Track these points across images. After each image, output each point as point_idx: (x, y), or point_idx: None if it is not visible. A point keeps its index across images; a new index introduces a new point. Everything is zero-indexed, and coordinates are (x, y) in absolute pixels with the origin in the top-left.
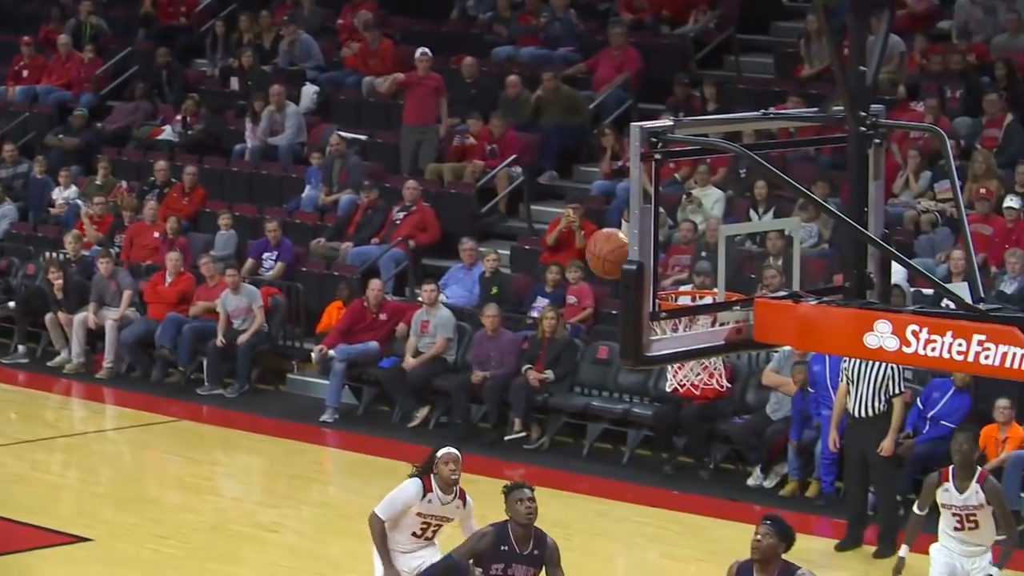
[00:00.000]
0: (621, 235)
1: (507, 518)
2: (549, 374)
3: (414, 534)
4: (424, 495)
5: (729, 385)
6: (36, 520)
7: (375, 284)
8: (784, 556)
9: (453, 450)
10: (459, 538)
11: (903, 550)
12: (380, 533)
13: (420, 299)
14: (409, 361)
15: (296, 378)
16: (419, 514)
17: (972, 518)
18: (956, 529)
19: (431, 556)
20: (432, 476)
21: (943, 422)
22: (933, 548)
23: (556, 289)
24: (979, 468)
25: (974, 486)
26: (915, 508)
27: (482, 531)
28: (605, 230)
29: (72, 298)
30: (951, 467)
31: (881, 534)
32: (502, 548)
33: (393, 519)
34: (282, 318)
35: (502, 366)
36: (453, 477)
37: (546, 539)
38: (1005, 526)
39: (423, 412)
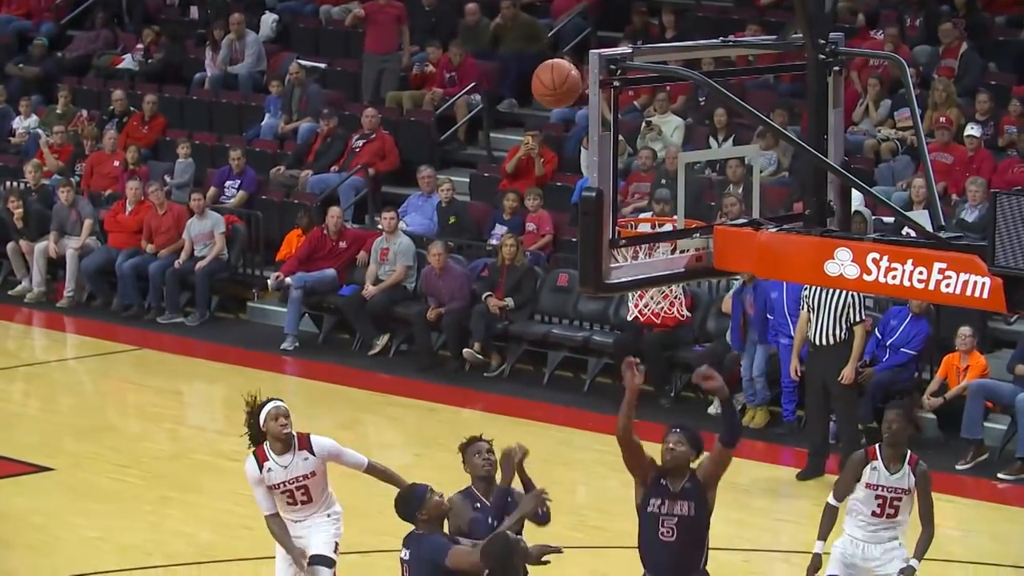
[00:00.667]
0: (563, 64)
1: (469, 482)
2: (509, 301)
3: (289, 503)
4: (261, 468)
5: (689, 314)
6: None
7: (334, 211)
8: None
9: (277, 403)
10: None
11: (818, 546)
12: (277, 528)
13: (380, 227)
14: (369, 289)
15: (256, 306)
16: (272, 487)
17: (895, 503)
18: (874, 514)
19: (317, 518)
20: (265, 444)
21: (902, 349)
22: (833, 545)
23: (514, 216)
24: (910, 451)
25: (906, 468)
26: (830, 498)
27: (455, 505)
28: (546, 63)
29: (32, 227)
30: (878, 445)
31: (842, 462)
32: (475, 507)
33: (269, 505)
34: (242, 246)
35: (454, 299)
36: (284, 432)
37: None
38: (928, 520)
39: (383, 340)
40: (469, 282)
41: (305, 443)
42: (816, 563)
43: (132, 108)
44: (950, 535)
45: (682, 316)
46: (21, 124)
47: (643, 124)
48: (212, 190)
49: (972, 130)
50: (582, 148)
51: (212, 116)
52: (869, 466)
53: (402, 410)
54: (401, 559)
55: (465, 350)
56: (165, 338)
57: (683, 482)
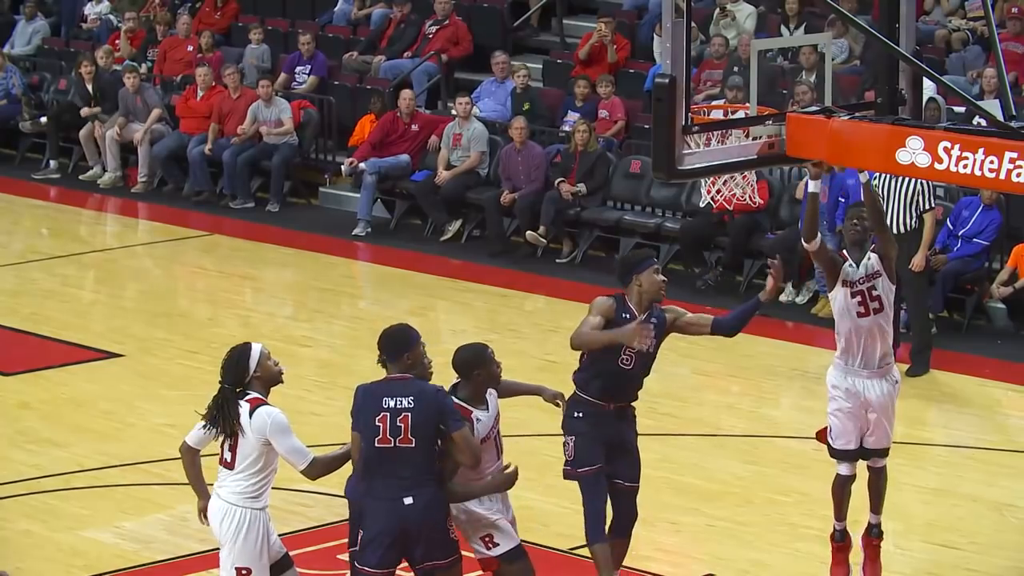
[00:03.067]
0: None
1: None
2: (581, 187)
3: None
4: None
5: (762, 200)
6: (67, 336)
7: (406, 94)
8: None
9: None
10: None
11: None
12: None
13: (453, 112)
14: (442, 174)
15: (328, 192)
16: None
17: (874, 292)
18: (860, 315)
19: None
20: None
21: (975, 240)
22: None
23: (586, 103)
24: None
25: (870, 253)
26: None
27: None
28: None
29: (106, 101)
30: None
31: (914, 351)
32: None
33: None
34: (314, 132)
35: (530, 181)
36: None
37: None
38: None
39: (455, 226)
40: (546, 163)
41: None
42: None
43: None
44: (1018, 425)
45: (755, 203)
46: (93, 9)
47: (716, 11)
48: (282, 76)
49: None
50: (655, 35)
51: (285, 1)
52: (846, 264)
53: (473, 295)
54: (390, 407)
55: (528, 232)
56: (237, 223)
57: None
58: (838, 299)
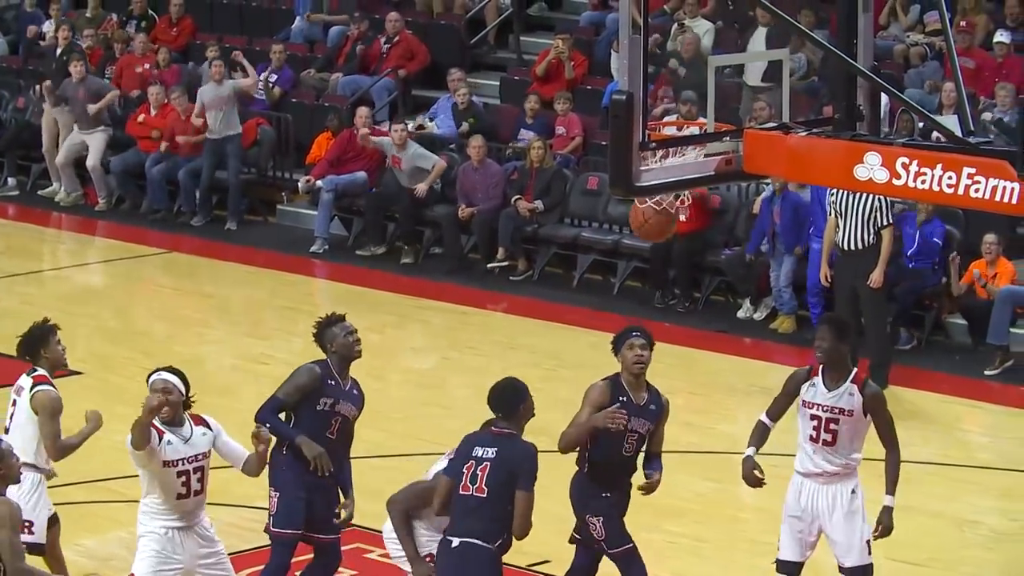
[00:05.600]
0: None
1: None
2: (538, 204)
3: (179, 496)
4: (159, 440)
5: (698, 223)
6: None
7: (362, 111)
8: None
9: (161, 376)
10: None
11: (750, 451)
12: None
13: (391, 136)
14: (420, 188)
15: (286, 209)
16: (167, 463)
17: (832, 426)
18: (811, 439)
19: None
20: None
21: (920, 258)
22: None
23: (537, 119)
24: (855, 369)
25: (848, 386)
26: (763, 416)
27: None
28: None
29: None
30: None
31: (873, 366)
32: (329, 382)
33: (152, 481)
34: (271, 149)
35: (489, 198)
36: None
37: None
38: (889, 444)
39: (412, 254)
40: (504, 181)
41: (200, 420)
42: (749, 464)
43: (151, 11)
44: (978, 441)
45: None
46: (50, 28)
47: (674, 27)
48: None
49: (1002, 36)
50: (612, 51)
51: (243, 18)
52: (808, 383)
53: (431, 313)
54: (477, 456)
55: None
56: (194, 241)
57: (644, 393)
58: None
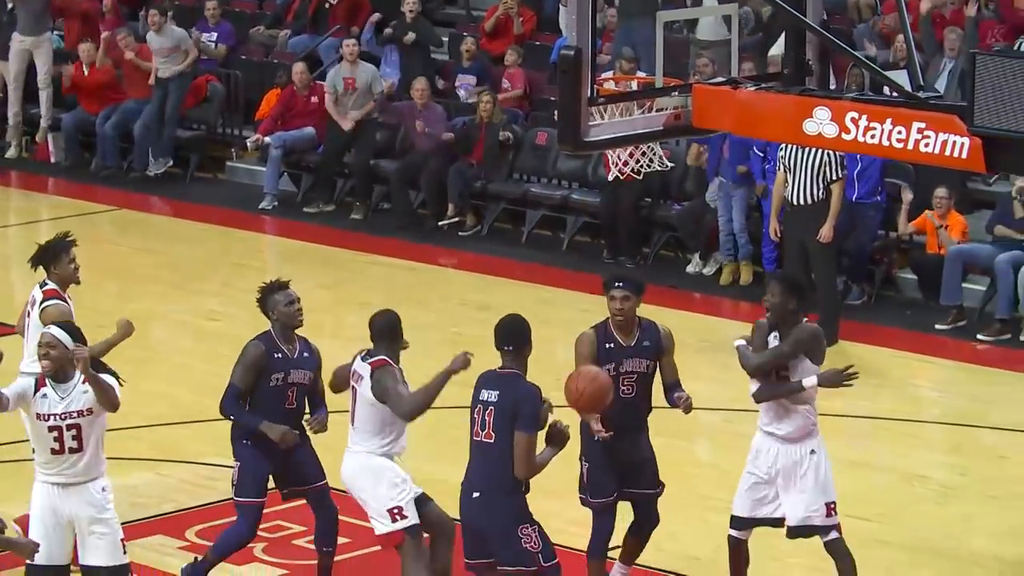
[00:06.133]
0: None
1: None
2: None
3: (53, 451)
4: (36, 391)
5: (671, 164)
6: None
7: (298, 67)
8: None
9: (49, 331)
10: None
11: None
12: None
13: (340, 53)
14: (346, 121)
15: (236, 166)
16: (39, 416)
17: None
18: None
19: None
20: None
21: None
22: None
23: (474, 63)
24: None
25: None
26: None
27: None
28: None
29: None
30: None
31: (821, 321)
32: (275, 356)
33: (31, 433)
34: (220, 106)
35: (433, 140)
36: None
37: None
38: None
39: (363, 210)
40: (448, 123)
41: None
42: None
43: None
44: (929, 396)
45: (663, 167)
46: None
47: None
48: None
49: None
50: (561, 6)
51: None
52: (772, 335)
53: (380, 269)
54: (483, 400)
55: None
56: (145, 198)
57: (634, 334)
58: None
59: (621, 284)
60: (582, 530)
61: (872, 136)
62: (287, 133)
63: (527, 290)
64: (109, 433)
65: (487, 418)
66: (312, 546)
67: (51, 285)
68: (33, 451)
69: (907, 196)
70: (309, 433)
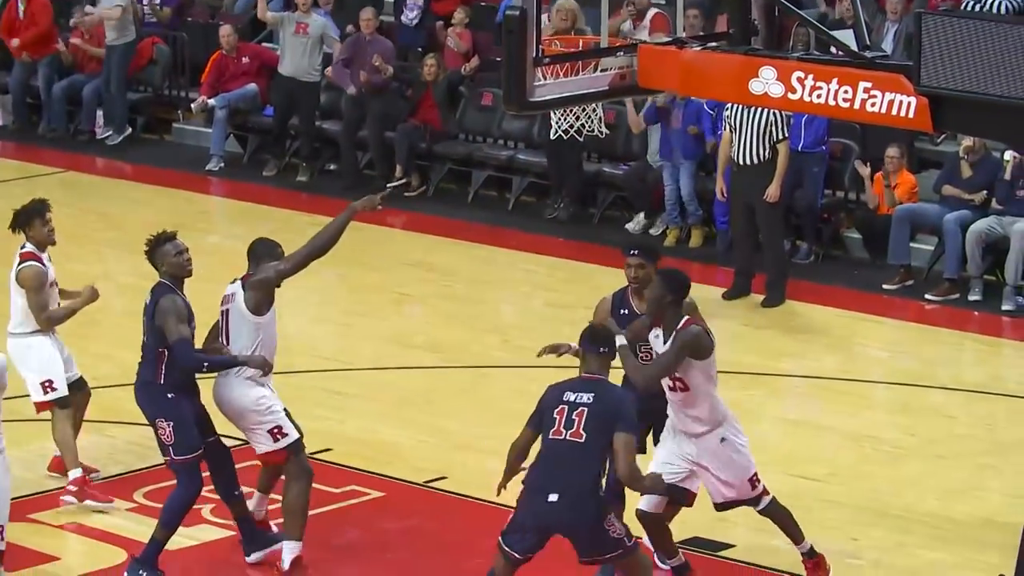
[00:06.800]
0: None
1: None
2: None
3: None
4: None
5: (607, 131)
6: None
7: (225, 30)
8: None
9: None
10: None
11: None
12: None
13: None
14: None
15: (182, 128)
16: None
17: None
18: (670, 389)
19: None
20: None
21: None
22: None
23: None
24: (685, 317)
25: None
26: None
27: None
28: None
29: None
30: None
31: (769, 282)
32: (188, 305)
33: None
34: (166, 68)
35: (378, 72)
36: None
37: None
38: (654, 365)
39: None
40: (394, 55)
41: None
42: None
43: None
44: (876, 356)
45: (602, 133)
46: None
47: None
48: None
49: None
50: None
51: None
52: (652, 334)
53: None
54: (570, 401)
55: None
56: (91, 160)
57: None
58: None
59: (636, 252)
60: None
61: (818, 96)
62: (230, 93)
63: (473, 250)
64: None
65: (576, 418)
66: None
67: (28, 248)
68: None
69: (864, 170)
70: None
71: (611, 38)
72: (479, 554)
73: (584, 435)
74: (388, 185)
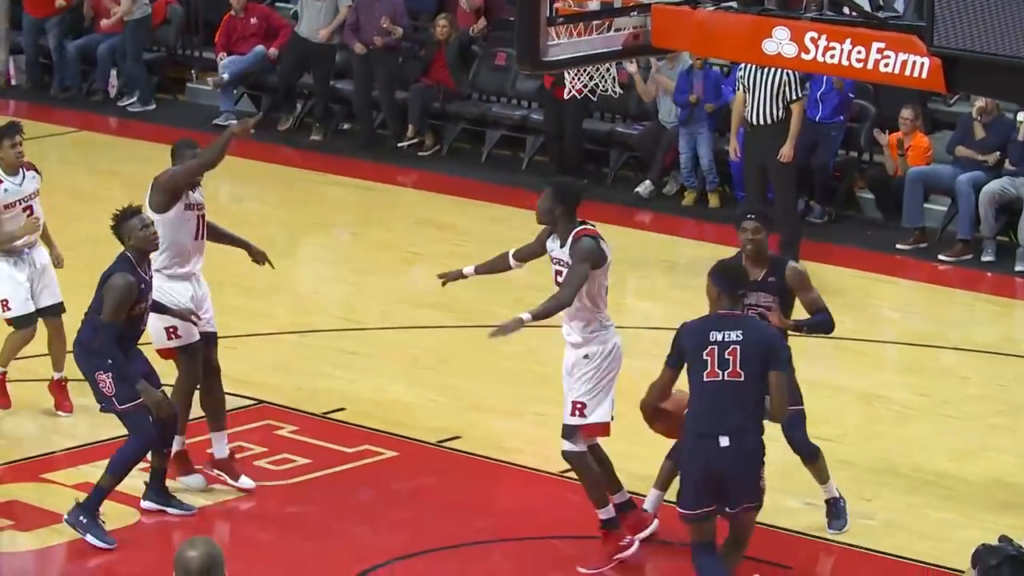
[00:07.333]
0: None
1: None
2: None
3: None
4: None
5: (621, 91)
6: None
7: None
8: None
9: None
10: None
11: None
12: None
13: None
14: (323, 33)
15: (196, 87)
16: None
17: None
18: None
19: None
20: None
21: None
22: None
23: None
24: (579, 227)
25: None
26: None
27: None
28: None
29: None
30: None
31: (783, 242)
32: (141, 287)
33: None
34: (180, 27)
35: (387, 33)
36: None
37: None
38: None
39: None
40: (404, 13)
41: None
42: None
43: None
44: (888, 316)
45: (615, 93)
46: None
47: None
48: None
49: None
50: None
51: None
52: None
53: (339, 189)
54: (718, 341)
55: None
56: (105, 120)
57: (763, 269)
58: None
59: (752, 216)
60: (537, 448)
61: (831, 56)
62: (237, 60)
63: (486, 209)
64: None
65: (729, 357)
66: (272, 467)
67: None
68: None
69: (883, 138)
70: None
71: None
72: (492, 513)
73: (742, 374)
74: (400, 144)
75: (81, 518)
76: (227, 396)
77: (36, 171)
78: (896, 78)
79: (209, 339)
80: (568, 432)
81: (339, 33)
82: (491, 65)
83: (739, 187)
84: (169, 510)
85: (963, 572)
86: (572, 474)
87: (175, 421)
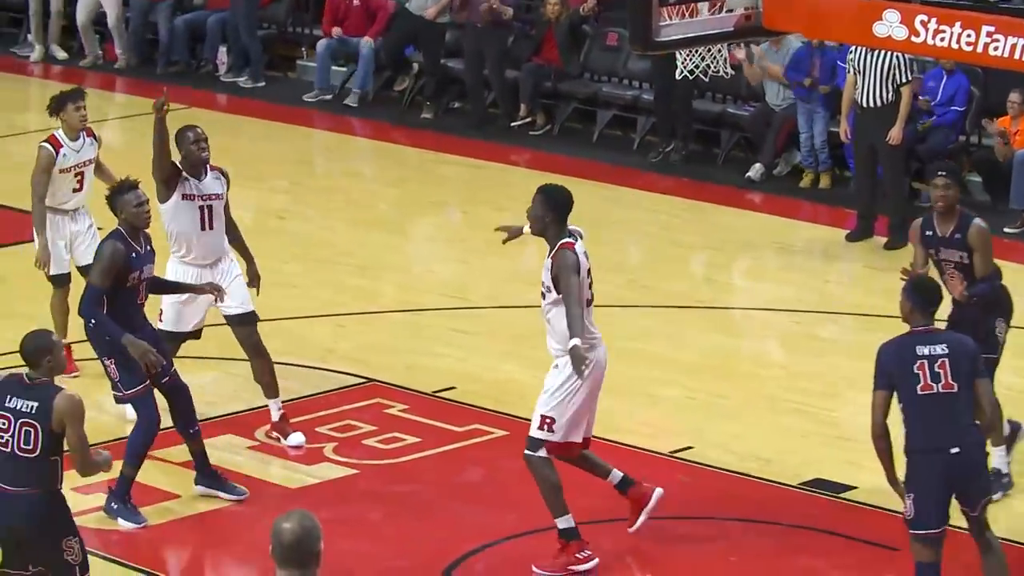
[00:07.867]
0: None
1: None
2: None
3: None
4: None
5: (733, 71)
6: None
7: None
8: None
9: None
10: None
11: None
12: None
13: None
14: (430, 11)
15: (306, 64)
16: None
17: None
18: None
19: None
20: (59, 131)
21: (951, 108)
22: None
23: None
24: (564, 239)
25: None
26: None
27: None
28: None
29: None
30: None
31: (892, 225)
32: (132, 256)
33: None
34: (291, 5)
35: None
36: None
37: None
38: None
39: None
40: None
41: (91, 133)
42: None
43: None
44: None
45: (727, 74)
46: None
47: None
48: None
49: None
50: None
51: None
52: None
53: (450, 168)
54: (924, 355)
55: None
56: (214, 96)
57: (952, 225)
58: None
59: (943, 172)
60: (649, 429)
61: (942, 39)
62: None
63: (597, 189)
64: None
65: (939, 370)
66: (382, 445)
67: (57, 133)
68: None
69: (991, 127)
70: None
71: None
72: (597, 493)
73: (955, 385)
74: (511, 124)
75: (113, 504)
76: (338, 374)
77: (95, 138)
78: (1006, 61)
79: (243, 319)
80: (532, 444)
81: (448, 11)
82: (602, 45)
83: (851, 169)
84: (221, 494)
85: None
86: (683, 454)
87: (189, 401)
